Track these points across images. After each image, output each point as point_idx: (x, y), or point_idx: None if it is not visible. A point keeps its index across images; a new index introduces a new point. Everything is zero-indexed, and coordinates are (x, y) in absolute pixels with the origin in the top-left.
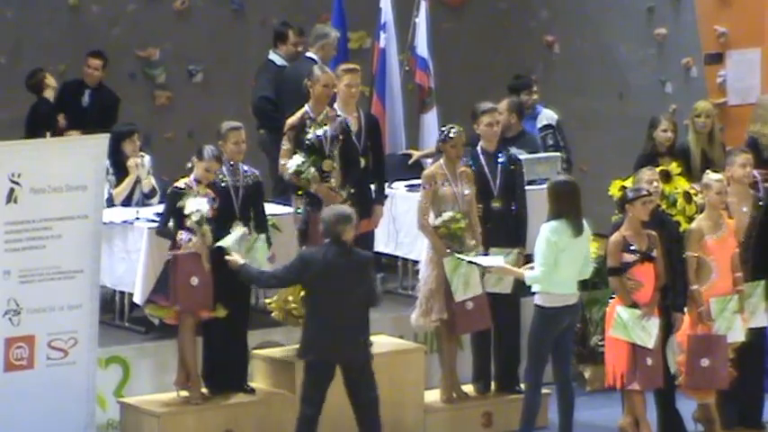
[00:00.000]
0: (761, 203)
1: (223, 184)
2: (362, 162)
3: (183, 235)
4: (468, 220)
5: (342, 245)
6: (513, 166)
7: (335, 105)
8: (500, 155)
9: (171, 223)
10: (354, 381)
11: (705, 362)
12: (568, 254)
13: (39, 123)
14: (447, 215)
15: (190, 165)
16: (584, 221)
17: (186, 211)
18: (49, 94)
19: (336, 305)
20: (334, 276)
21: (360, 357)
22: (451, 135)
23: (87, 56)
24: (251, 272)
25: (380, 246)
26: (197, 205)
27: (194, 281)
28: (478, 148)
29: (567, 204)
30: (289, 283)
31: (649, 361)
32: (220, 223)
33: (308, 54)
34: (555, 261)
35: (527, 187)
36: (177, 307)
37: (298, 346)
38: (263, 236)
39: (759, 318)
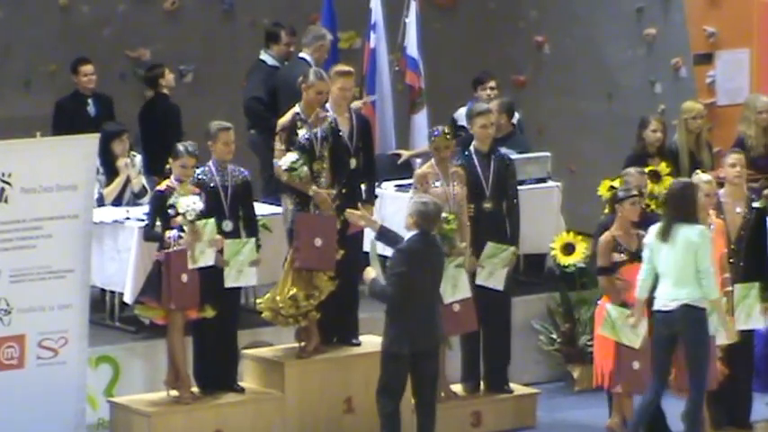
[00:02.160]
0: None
1: (212, 184)
2: (353, 162)
3: (171, 233)
4: (458, 220)
5: (430, 236)
6: (505, 168)
7: (327, 105)
8: (493, 156)
9: (158, 225)
10: (423, 365)
11: None
12: (658, 258)
13: (157, 118)
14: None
15: (168, 166)
16: (692, 229)
17: (181, 210)
18: (166, 91)
19: (425, 294)
20: (425, 266)
21: (436, 342)
22: (445, 136)
23: (77, 63)
24: (376, 287)
25: (370, 246)
26: (191, 203)
27: (184, 278)
28: (471, 149)
29: (666, 207)
30: (403, 281)
31: (636, 365)
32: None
33: (302, 55)
34: (653, 263)
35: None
36: (172, 305)
37: (382, 339)
38: (251, 240)
39: (754, 319)
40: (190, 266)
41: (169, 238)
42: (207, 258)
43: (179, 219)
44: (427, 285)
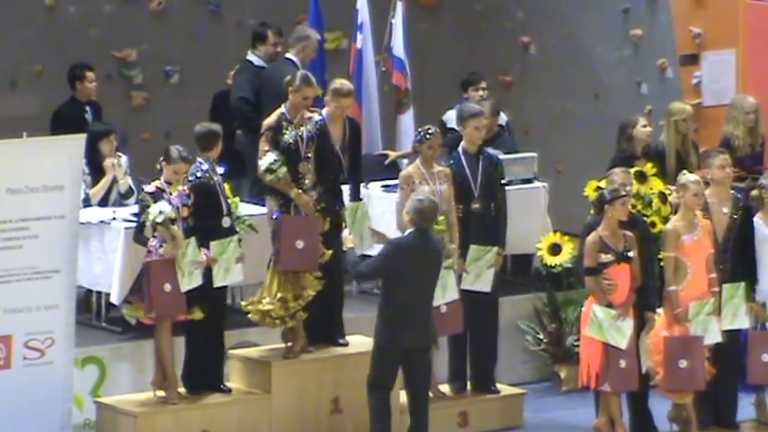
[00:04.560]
0: (741, 204)
1: (211, 182)
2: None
3: (153, 241)
4: (447, 220)
5: (427, 233)
6: (494, 168)
7: (323, 112)
8: (481, 156)
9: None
10: (416, 362)
11: (683, 363)
12: None
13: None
14: None
15: (159, 167)
16: None
17: (150, 218)
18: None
19: (417, 291)
20: (419, 263)
21: (429, 340)
22: (429, 136)
23: (83, 70)
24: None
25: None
26: (159, 208)
27: (167, 287)
28: (460, 150)
29: None
30: (384, 272)
31: (622, 363)
32: (210, 220)
33: (288, 55)
34: None
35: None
36: (152, 314)
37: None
38: (234, 238)
39: (740, 319)
40: (183, 288)
41: (152, 246)
42: (194, 280)
43: (157, 231)
44: (422, 282)
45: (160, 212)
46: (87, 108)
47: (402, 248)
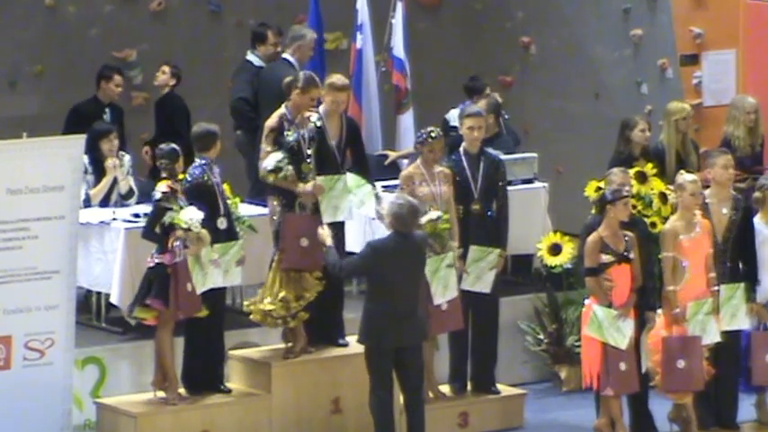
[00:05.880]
0: (740, 205)
1: (210, 183)
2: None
3: (176, 242)
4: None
5: (408, 237)
6: (495, 169)
7: (320, 109)
8: (482, 157)
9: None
10: (406, 361)
11: (681, 363)
12: None
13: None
14: (434, 214)
15: (168, 170)
16: None
17: (184, 226)
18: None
19: (400, 291)
20: (400, 264)
21: (419, 338)
22: (430, 139)
23: (112, 71)
24: (332, 257)
25: (356, 246)
26: (190, 215)
27: (189, 287)
28: (461, 150)
29: None
30: (361, 273)
31: (623, 366)
32: (206, 221)
33: (285, 55)
34: None
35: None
36: (180, 315)
37: (357, 332)
38: (239, 242)
39: (739, 319)
40: (199, 289)
41: (175, 246)
42: (210, 281)
43: (180, 233)
44: (404, 283)
45: (195, 220)
46: (107, 110)
47: (379, 250)
